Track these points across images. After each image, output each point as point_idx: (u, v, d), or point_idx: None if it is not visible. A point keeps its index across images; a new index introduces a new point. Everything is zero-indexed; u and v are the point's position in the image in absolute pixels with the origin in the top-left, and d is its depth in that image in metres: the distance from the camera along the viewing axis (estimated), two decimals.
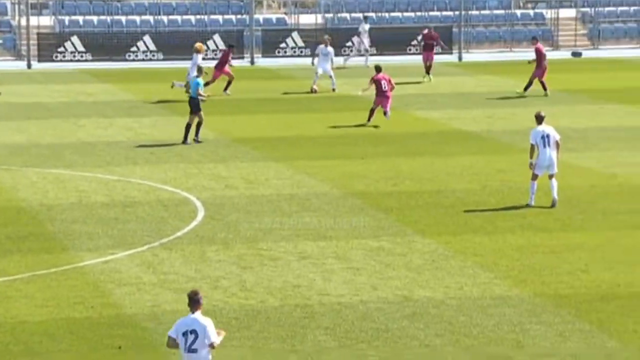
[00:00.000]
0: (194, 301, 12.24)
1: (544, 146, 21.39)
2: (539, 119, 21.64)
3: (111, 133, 30.11)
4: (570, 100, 34.64)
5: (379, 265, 18.00)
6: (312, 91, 36.19)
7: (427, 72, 38.87)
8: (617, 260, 18.14)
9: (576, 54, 46.20)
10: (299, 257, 18.48)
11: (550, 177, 21.50)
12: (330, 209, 21.55)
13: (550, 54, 46.79)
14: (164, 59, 45.14)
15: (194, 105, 28.25)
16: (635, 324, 15.28)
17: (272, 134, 29.54)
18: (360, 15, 48.70)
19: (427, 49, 39.34)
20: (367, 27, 43.92)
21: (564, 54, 46.84)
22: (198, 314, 12.21)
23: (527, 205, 21.45)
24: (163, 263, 18.23)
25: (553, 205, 21.34)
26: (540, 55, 35.19)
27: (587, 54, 47.03)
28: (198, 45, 35.18)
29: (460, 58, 45.67)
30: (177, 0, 48.59)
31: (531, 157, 21.49)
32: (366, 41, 43.45)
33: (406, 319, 15.53)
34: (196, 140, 28.07)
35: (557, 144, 21.50)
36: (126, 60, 45.08)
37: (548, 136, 21.42)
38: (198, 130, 28.18)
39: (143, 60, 45.22)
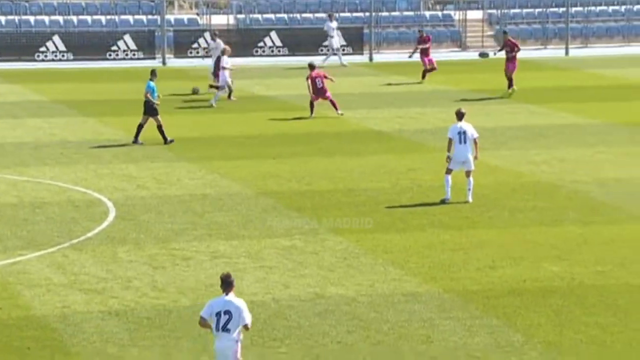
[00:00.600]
0: (227, 283, 12.62)
1: (460, 142, 21.77)
2: (459, 116, 22.07)
3: (20, 133, 29.70)
4: (478, 99, 35.19)
5: (292, 263, 18.12)
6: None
7: (423, 77, 38.10)
8: (523, 257, 18.54)
9: (483, 55, 46.91)
10: (212, 257, 18.50)
11: (467, 174, 21.85)
12: (243, 208, 21.61)
13: (458, 55, 47.63)
14: (74, 59, 44.62)
15: (149, 108, 27.92)
16: (540, 317, 15.66)
17: (185, 135, 29.44)
18: (272, 16, 48.77)
19: (424, 53, 38.41)
20: (333, 25, 43.36)
21: (472, 55, 47.52)
22: (232, 296, 12.56)
23: (444, 200, 21.74)
24: (73, 264, 18.08)
25: (467, 202, 21.69)
26: (514, 48, 35.22)
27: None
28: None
29: (371, 59, 46.05)
30: (87, 0, 48.06)
31: (448, 150, 21.86)
32: (335, 40, 42.99)
33: (318, 316, 15.67)
34: (166, 141, 27.49)
35: (475, 142, 21.90)
36: (35, 60, 44.44)
37: (465, 133, 21.81)
38: (162, 132, 27.70)
39: (53, 60, 44.64)
